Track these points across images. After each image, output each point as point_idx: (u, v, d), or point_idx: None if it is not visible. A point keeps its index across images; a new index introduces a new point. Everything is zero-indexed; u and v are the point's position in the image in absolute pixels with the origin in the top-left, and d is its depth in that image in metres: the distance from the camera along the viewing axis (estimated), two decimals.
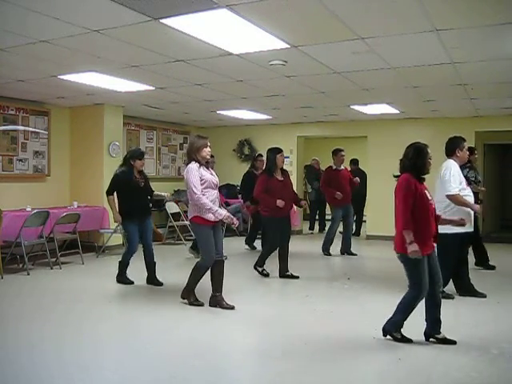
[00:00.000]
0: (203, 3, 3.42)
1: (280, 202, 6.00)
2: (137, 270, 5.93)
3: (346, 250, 7.96)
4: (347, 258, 7.77)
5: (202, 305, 4.84)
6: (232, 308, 4.75)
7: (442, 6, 3.48)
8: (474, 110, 8.36)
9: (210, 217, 4.65)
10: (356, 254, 7.94)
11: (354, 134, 10.93)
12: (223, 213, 4.63)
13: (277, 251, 6.24)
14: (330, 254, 7.92)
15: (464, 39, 4.26)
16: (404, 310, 3.79)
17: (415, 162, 3.74)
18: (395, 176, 3.85)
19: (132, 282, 5.81)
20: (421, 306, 3.80)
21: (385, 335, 3.88)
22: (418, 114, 8.98)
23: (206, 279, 4.86)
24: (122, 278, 5.84)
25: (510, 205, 12.44)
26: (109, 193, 5.84)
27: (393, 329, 3.85)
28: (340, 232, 8.26)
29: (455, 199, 4.75)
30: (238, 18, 3.73)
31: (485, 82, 6.00)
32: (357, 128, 10.22)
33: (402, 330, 3.84)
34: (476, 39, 4.27)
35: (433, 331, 3.83)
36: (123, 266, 5.85)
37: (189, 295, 4.90)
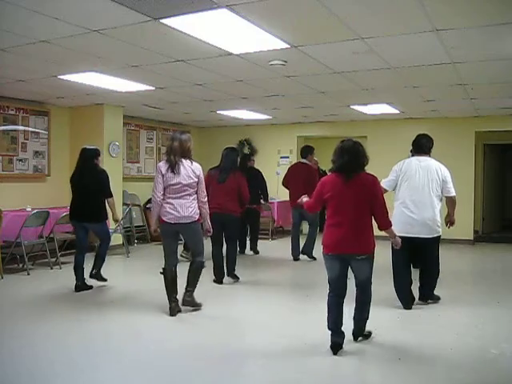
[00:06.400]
0: (203, 3, 3.43)
1: None
2: (138, 271, 5.93)
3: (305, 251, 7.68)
4: None
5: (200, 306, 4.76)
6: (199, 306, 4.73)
7: (442, 5, 3.48)
8: (474, 110, 8.36)
9: None
10: (315, 258, 7.44)
11: (354, 134, 10.83)
12: None
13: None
14: (298, 259, 7.67)
15: (464, 39, 4.26)
16: None
17: None
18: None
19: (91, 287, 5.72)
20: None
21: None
22: (418, 113, 8.98)
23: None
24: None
25: (510, 205, 12.44)
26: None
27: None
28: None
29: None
30: (238, 18, 3.73)
31: (485, 82, 6.00)
32: (357, 128, 10.20)
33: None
34: (476, 39, 4.27)
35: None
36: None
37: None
